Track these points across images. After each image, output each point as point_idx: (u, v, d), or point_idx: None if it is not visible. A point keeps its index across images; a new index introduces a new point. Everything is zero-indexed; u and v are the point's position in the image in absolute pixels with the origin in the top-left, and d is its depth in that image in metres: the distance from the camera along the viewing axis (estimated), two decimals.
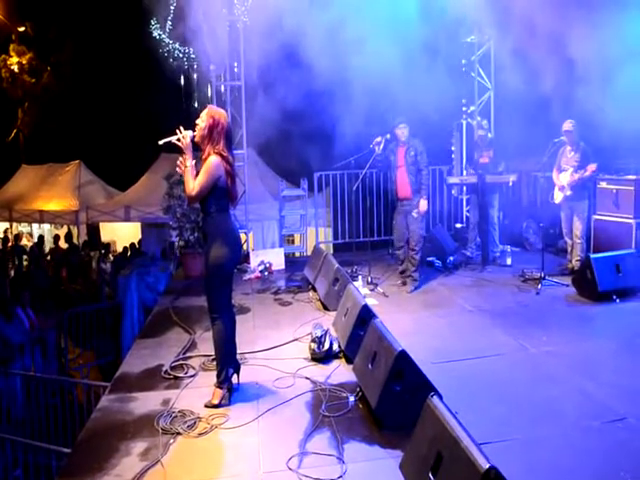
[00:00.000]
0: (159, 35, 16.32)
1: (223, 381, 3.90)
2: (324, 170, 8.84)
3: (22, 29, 21.55)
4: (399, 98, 6.88)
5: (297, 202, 9.83)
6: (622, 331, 5.00)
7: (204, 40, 7.53)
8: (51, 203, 15.12)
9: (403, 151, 6.42)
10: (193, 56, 15.49)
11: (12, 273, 12.69)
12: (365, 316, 4.35)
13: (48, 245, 15.44)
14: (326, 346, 4.57)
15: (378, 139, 6.46)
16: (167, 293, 7.11)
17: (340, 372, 4.36)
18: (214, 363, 4.07)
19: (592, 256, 5.91)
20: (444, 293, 6.39)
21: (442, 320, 5.53)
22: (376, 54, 6.95)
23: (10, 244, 15.29)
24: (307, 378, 4.26)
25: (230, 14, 8.22)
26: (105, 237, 15.14)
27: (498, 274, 7.01)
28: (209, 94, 8.51)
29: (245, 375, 4.20)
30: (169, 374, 4.42)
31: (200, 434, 3.52)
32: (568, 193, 6.58)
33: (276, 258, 7.89)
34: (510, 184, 7.53)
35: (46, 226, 16.26)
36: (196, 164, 3.84)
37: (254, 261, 7.72)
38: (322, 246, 7.89)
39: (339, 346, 4.66)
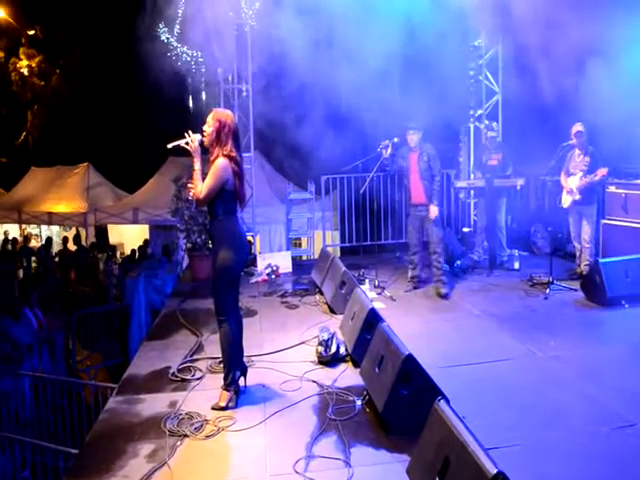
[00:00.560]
0: (167, 39, 16.40)
1: (230, 384, 3.90)
2: (331, 173, 8.84)
3: (32, 32, 21.76)
4: (405, 102, 6.88)
5: (304, 205, 9.84)
6: (631, 336, 4.96)
7: (212, 43, 7.57)
8: (60, 205, 15.22)
9: (416, 157, 6.35)
10: (201, 60, 15.56)
11: (21, 274, 12.77)
12: (372, 320, 4.34)
13: (57, 247, 15.52)
14: (333, 349, 4.57)
15: (385, 142, 6.44)
16: (174, 295, 7.13)
17: (347, 375, 4.36)
18: (221, 365, 4.08)
19: (601, 261, 5.89)
20: (451, 297, 6.37)
21: (449, 324, 5.51)
22: (383, 57, 6.97)
23: (19, 245, 15.39)
24: (314, 381, 4.26)
25: (237, 18, 8.26)
26: (113, 239, 15.22)
27: (506, 278, 6.98)
28: (217, 97, 8.54)
29: (252, 378, 4.20)
30: (176, 376, 4.43)
31: (207, 436, 3.53)
32: (577, 197, 6.54)
33: (283, 261, 7.89)
34: (518, 188, 7.48)
35: (55, 228, 16.36)
36: (204, 166, 3.86)
37: (261, 264, 7.72)
38: (329, 249, 7.88)
39: (346, 349, 4.66)
